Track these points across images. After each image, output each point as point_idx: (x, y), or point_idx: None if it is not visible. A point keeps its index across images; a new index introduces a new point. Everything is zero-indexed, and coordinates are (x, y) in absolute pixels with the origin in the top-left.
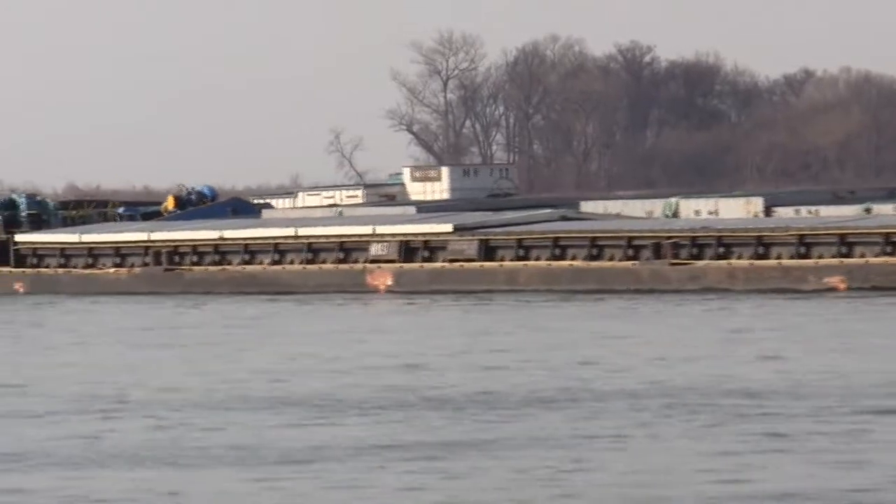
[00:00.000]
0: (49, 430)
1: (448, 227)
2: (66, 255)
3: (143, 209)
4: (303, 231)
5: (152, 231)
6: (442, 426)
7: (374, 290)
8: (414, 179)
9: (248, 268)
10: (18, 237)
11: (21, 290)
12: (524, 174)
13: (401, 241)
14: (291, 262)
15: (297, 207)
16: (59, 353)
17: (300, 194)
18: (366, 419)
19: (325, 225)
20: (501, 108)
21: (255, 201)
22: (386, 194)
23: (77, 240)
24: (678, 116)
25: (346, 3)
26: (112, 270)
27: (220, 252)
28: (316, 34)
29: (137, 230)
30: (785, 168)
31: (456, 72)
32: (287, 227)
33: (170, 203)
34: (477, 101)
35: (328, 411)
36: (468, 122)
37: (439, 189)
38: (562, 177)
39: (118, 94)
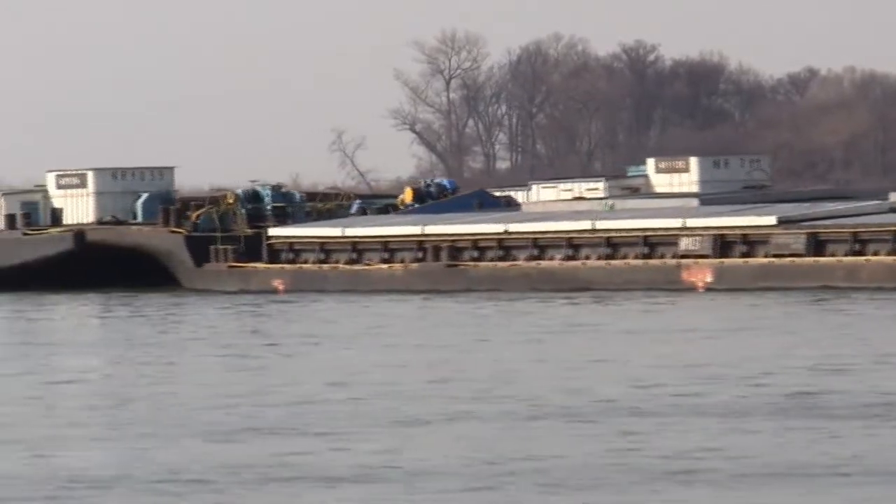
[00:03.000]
0: None
1: (771, 220)
2: (325, 249)
3: (378, 202)
4: (601, 224)
5: (425, 225)
6: None
7: (691, 288)
8: (659, 171)
9: (543, 263)
10: (272, 231)
11: (281, 287)
12: (526, 173)
13: (715, 235)
14: (587, 258)
15: (531, 202)
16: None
17: (534, 187)
18: None
19: (626, 218)
20: (504, 108)
21: (496, 194)
22: (629, 186)
23: (340, 234)
24: (682, 116)
25: (349, 2)
26: (385, 266)
27: (505, 247)
28: (318, 33)
29: (408, 224)
30: (791, 168)
31: (459, 71)
32: (580, 220)
33: (407, 196)
34: (480, 101)
35: None
36: (471, 122)
37: (688, 181)
38: (566, 176)
39: (119, 94)
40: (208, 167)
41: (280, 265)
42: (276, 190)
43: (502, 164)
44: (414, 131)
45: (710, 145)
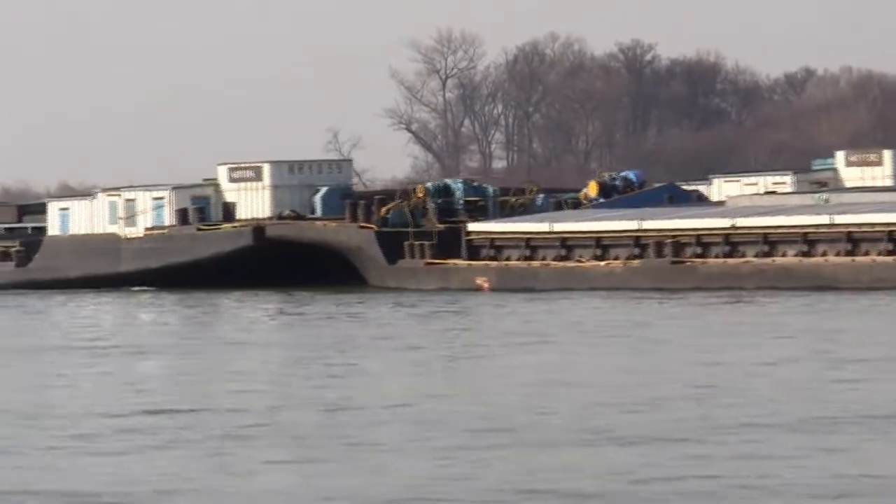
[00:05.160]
0: None
1: None
2: (531, 245)
3: (561, 196)
4: (840, 219)
5: (643, 219)
6: None
7: None
8: (849, 164)
9: (780, 260)
10: (472, 226)
11: (486, 285)
12: (523, 173)
13: None
14: (824, 254)
15: (736, 196)
16: None
17: (715, 181)
18: None
19: (867, 212)
20: (500, 107)
21: (684, 188)
22: (817, 181)
23: (547, 229)
24: (679, 115)
25: (345, 1)
26: (603, 264)
27: (731, 242)
28: (314, 32)
29: (622, 218)
30: (791, 167)
31: (455, 70)
32: (817, 214)
33: (592, 190)
34: (476, 100)
35: None
36: (467, 122)
37: (881, 175)
38: (562, 176)
39: (112, 93)
40: (204, 165)
41: (483, 262)
42: (468, 183)
43: (499, 164)
44: (410, 131)
45: (708, 145)
